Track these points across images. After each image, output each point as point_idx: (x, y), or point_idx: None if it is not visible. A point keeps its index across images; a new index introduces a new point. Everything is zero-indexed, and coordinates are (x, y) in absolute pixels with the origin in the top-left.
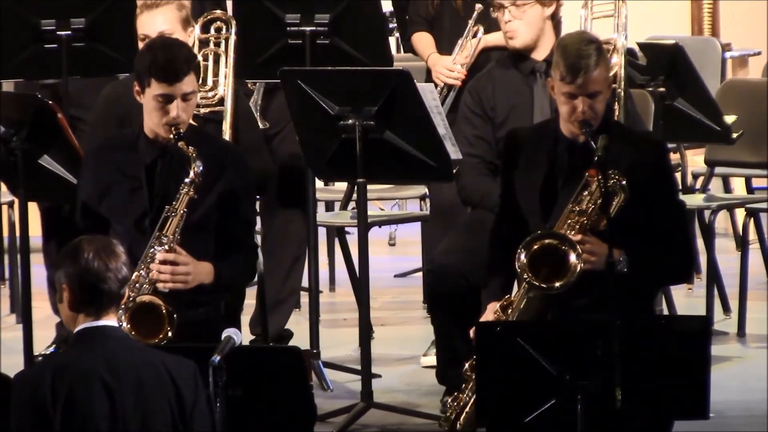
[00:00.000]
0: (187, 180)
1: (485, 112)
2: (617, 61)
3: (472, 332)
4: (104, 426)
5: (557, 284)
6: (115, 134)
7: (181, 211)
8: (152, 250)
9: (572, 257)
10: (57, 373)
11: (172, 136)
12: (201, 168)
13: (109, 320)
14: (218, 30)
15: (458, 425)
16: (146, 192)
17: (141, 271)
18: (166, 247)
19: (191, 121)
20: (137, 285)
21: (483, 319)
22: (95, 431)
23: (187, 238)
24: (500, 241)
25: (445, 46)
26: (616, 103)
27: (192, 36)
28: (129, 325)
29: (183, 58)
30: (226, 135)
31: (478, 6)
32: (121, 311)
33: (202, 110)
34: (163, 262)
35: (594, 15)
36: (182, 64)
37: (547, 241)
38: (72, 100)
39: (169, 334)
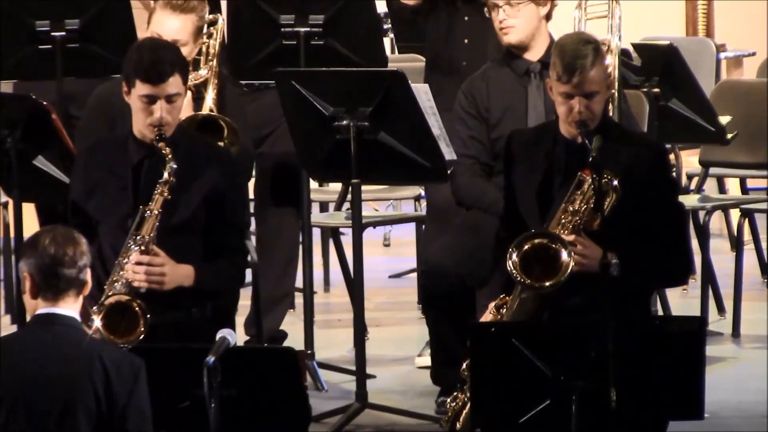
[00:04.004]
0: (161, 180)
1: (479, 113)
2: (611, 62)
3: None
4: (22, 410)
5: (547, 283)
6: (107, 134)
7: (156, 212)
8: (129, 250)
9: (563, 256)
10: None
11: (155, 136)
12: (175, 168)
13: (66, 307)
14: (212, 24)
15: (457, 425)
16: (131, 192)
17: (119, 271)
18: (142, 247)
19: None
20: (115, 285)
21: (480, 318)
22: (12, 410)
23: (171, 240)
24: (503, 241)
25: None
26: (611, 104)
27: (198, 47)
28: (103, 324)
29: (169, 59)
30: (206, 110)
31: None
32: (94, 310)
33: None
34: (138, 263)
35: (588, 16)
36: (167, 65)
37: (537, 240)
38: (73, 100)
39: (142, 334)
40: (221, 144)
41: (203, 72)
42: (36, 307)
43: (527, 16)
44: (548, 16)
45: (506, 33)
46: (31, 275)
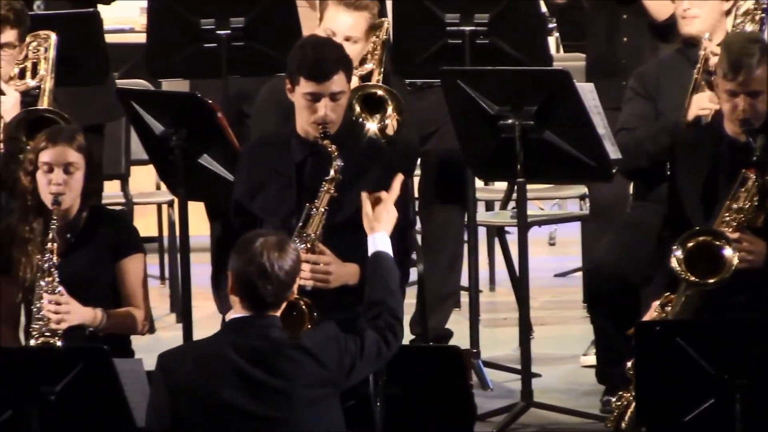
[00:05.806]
0: (327, 177)
1: (648, 93)
2: None
3: (630, 332)
4: (230, 411)
5: (711, 280)
6: (270, 132)
7: (322, 209)
8: None
9: (727, 253)
10: (192, 357)
11: (319, 134)
12: (341, 165)
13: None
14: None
15: (623, 424)
16: (295, 190)
17: None
18: (308, 245)
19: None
20: None
21: (645, 316)
22: (223, 412)
23: (335, 238)
24: (667, 240)
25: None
26: None
27: (369, 44)
28: None
29: (333, 57)
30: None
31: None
32: None
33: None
34: (305, 261)
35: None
36: (331, 63)
37: (701, 237)
38: (247, 98)
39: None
40: (393, 116)
41: (369, 66)
42: (235, 305)
43: (710, 8)
44: (728, 12)
45: (688, 22)
46: (234, 280)
